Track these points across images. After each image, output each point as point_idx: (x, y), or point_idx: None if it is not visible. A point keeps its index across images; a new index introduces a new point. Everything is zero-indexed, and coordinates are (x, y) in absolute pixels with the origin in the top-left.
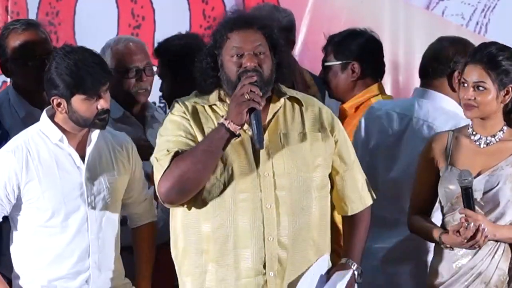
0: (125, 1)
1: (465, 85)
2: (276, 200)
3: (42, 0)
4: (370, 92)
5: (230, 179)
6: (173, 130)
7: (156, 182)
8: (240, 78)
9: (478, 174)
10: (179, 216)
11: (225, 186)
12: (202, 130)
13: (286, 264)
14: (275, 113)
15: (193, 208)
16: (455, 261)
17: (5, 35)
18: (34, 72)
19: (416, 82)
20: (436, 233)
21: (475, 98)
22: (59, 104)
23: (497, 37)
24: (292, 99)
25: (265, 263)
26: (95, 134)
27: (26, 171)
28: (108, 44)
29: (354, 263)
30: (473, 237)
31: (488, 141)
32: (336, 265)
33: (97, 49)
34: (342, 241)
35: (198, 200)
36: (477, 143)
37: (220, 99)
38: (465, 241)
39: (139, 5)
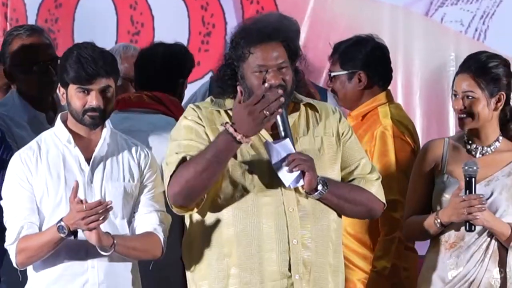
0: (124, 8)
1: (457, 96)
2: (298, 203)
3: (41, 7)
4: (377, 101)
5: (252, 183)
6: (185, 134)
7: (165, 186)
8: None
9: None
10: (196, 222)
11: (246, 190)
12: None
13: (311, 266)
14: (293, 121)
15: (212, 213)
16: (449, 271)
17: (9, 41)
18: (37, 78)
19: (415, 88)
20: (431, 217)
21: (465, 108)
22: (63, 93)
23: (496, 43)
24: (307, 105)
25: (290, 266)
26: (103, 137)
27: (36, 170)
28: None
29: (322, 178)
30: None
31: (483, 151)
32: None
33: None
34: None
35: (218, 205)
36: (473, 152)
37: None
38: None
39: (138, 12)
